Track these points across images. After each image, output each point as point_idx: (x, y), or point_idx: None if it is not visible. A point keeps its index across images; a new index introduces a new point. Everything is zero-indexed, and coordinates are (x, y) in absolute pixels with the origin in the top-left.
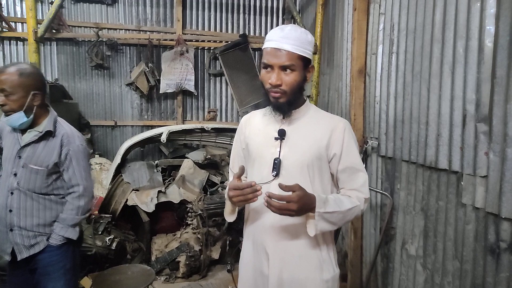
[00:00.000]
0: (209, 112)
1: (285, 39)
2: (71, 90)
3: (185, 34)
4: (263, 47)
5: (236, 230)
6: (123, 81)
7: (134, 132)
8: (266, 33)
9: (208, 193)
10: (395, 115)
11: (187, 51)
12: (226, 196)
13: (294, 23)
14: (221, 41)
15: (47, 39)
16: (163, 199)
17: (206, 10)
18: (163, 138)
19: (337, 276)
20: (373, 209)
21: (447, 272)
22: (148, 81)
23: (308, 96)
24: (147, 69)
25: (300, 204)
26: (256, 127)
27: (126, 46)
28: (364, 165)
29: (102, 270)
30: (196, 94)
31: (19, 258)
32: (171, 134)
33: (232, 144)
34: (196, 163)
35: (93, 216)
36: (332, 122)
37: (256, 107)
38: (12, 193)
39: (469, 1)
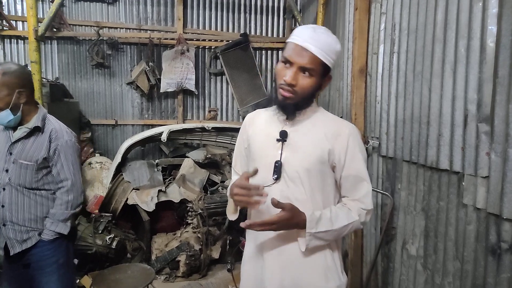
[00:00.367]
0: (209, 111)
1: (314, 40)
2: (72, 89)
3: (186, 33)
4: (287, 40)
5: (236, 229)
6: (123, 80)
7: (134, 131)
8: (267, 32)
9: (209, 192)
10: (396, 115)
11: (187, 50)
12: (228, 193)
13: (295, 23)
14: (222, 40)
15: (48, 37)
16: (163, 198)
17: (207, 9)
18: (164, 137)
19: (344, 286)
20: (374, 209)
21: (448, 272)
22: (148, 80)
23: None
24: (148, 68)
25: (281, 226)
26: (259, 127)
27: (126, 45)
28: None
29: (102, 269)
30: (196, 93)
31: (12, 253)
32: (171, 133)
33: (232, 143)
34: (197, 162)
35: (94, 215)
36: (337, 126)
37: (257, 106)
38: (4, 189)
39: (471, 0)
